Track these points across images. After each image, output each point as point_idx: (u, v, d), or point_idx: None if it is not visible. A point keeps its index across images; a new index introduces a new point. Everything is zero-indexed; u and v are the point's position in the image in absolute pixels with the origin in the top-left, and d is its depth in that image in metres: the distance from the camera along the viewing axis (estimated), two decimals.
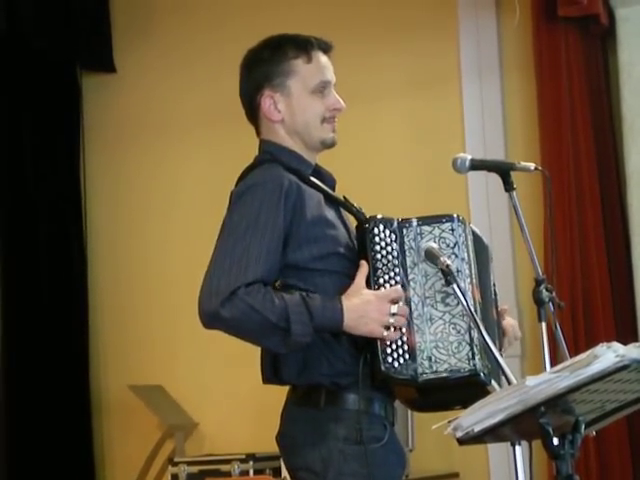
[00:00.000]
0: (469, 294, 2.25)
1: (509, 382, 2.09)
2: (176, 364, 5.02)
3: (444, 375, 2.21)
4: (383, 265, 2.25)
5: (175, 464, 4.57)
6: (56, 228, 5.16)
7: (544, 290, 2.46)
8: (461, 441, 1.88)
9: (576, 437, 1.89)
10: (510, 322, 2.47)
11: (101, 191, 5.29)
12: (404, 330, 2.22)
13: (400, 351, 2.21)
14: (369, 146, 4.74)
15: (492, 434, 1.88)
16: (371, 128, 4.75)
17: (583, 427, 1.90)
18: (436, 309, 2.24)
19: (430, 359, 2.21)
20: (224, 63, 5.09)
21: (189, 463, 4.56)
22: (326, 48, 2.42)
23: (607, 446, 4.19)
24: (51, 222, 5.15)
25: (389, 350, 2.21)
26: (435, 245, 2.27)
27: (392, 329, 2.21)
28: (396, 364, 2.20)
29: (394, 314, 2.21)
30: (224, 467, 4.49)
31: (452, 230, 2.27)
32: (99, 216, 5.28)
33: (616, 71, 4.42)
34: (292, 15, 4.92)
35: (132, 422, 5.03)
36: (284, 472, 4.38)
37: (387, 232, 2.27)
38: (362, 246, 2.28)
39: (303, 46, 2.38)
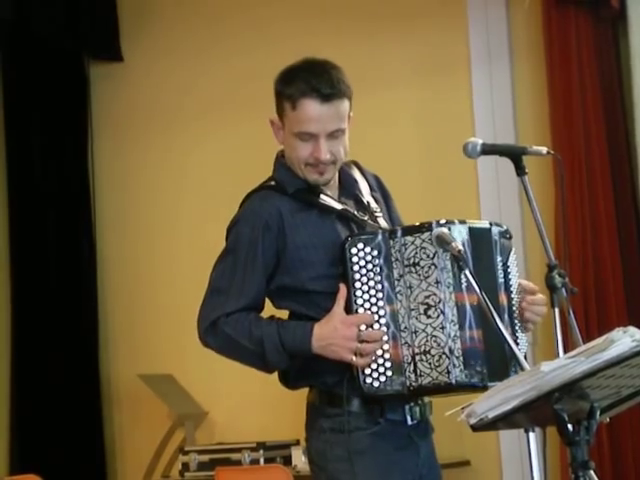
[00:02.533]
0: (451, 303, 2.25)
1: (522, 368, 2.07)
2: (186, 353, 5.00)
3: (429, 388, 2.27)
4: (362, 284, 2.29)
5: (186, 453, 4.57)
6: (65, 218, 5.16)
7: (557, 275, 2.43)
8: (475, 428, 1.86)
9: (591, 423, 1.87)
10: (527, 312, 2.44)
11: (109, 180, 5.29)
12: (389, 344, 2.27)
13: (381, 369, 2.27)
14: (379, 135, 4.71)
15: (506, 421, 1.86)
16: (381, 116, 4.73)
17: (598, 413, 1.88)
18: (419, 321, 2.27)
19: (415, 372, 2.26)
20: (232, 52, 5.12)
21: (199, 452, 4.56)
22: (328, 97, 2.35)
23: (620, 432, 4.18)
24: (60, 212, 5.15)
25: (367, 371, 2.28)
26: (446, 230, 2.25)
27: (360, 355, 2.27)
28: (376, 383, 2.28)
29: (362, 340, 2.27)
30: (234, 456, 4.49)
31: (431, 240, 2.26)
32: (108, 206, 5.27)
33: (627, 55, 4.38)
34: (300, 6, 4.90)
35: (142, 411, 5.03)
36: (294, 460, 4.37)
37: (368, 249, 2.30)
38: (343, 266, 2.31)
39: (291, 92, 2.37)
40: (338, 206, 2.41)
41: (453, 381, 2.23)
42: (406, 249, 2.28)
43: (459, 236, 2.29)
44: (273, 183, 2.45)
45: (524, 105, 4.58)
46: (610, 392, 1.88)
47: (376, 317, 2.29)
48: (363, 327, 2.28)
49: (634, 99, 4.33)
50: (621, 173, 4.37)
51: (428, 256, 2.26)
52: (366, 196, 2.50)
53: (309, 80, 2.35)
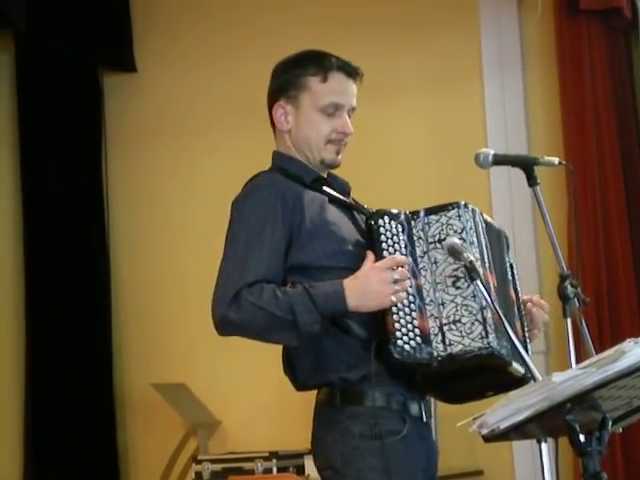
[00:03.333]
0: (481, 276, 2.24)
1: (534, 378, 2.08)
2: (199, 362, 5.02)
3: (459, 355, 2.22)
4: (392, 253, 2.27)
5: (199, 462, 4.57)
6: (78, 228, 5.18)
7: (569, 286, 2.44)
8: (486, 438, 1.86)
9: (603, 434, 1.87)
10: (537, 308, 2.47)
11: (123, 190, 5.30)
12: (415, 315, 2.24)
13: (411, 335, 2.23)
14: (391, 144, 4.72)
15: (518, 431, 1.86)
16: (393, 126, 4.73)
17: (610, 424, 1.89)
18: (447, 293, 2.26)
19: (444, 342, 2.22)
20: (243, 62, 5.14)
21: (212, 461, 4.56)
22: (351, 72, 2.43)
23: (633, 443, 4.16)
24: (73, 222, 5.17)
25: (399, 334, 2.22)
26: (458, 241, 2.27)
27: (398, 295, 2.23)
28: (407, 347, 2.22)
29: (396, 280, 2.23)
30: (247, 465, 4.48)
31: (459, 216, 2.30)
32: (121, 216, 5.29)
33: (639, 64, 4.38)
34: (310, 15, 4.92)
35: (155, 420, 5.04)
36: (307, 470, 4.37)
37: (393, 224, 2.30)
38: (370, 240, 2.31)
39: (322, 65, 2.42)
40: (345, 198, 2.43)
41: (488, 345, 2.19)
42: (430, 227, 2.30)
43: (478, 223, 2.33)
44: (278, 168, 2.41)
45: (536, 114, 4.58)
46: (622, 403, 1.88)
47: None
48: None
49: None
50: (634, 183, 4.36)
51: (455, 231, 2.28)
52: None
53: (334, 58, 2.43)
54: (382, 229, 2.29)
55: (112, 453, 5.06)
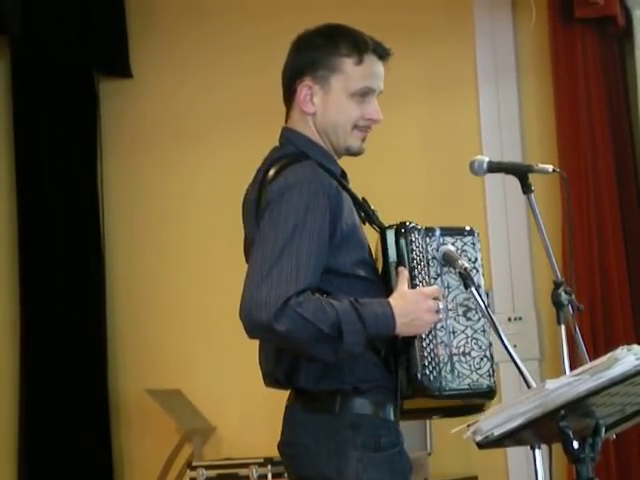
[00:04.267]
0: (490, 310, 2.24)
1: (528, 385, 2.08)
2: (194, 368, 5.02)
3: (466, 390, 2.19)
4: (420, 270, 2.21)
5: (193, 468, 4.57)
6: (73, 234, 5.17)
7: (563, 293, 2.45)
8: (481, 445, 1.87)
9: (596, 440, 1.88)
10: None
11: (118, 196, 5.31)
12: (434, 341, 2.19)
13: (434, 363, 2.18)
14: (386, 151, 4.72)
15: (512, 438, 1.87)
16: (388, 133, 4.72)
17: (603, 430, 1.89)
18: (458, 322, 2.22)
19: (453, 373, 2.18)
20: (241, 67, 5.15)
21: (207, 467, 4.56)
22: (383, 54, 2.34)
23: (627, 449, 4.17)
24: (68, 228, 5.17)
25: (426, 362, 2.17)
26: (452, 248, 2.25)
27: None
28: (431, 376, 2.16)
29: (439, 310, 2.18)
30: (242, 471, 4.49)
31: (473, 244, 2.27)
32: (116, 221, 5.29)
33: (633, 72, 4.40)
34: (307, 21, 4.89)
35: (150, 426, 5.03)
36: None
37: (420, 240, 2.23)
38: (399, 252, 2.21)
39: (358, 46, 2.29)
40: (360, 198, 2.33)
41: (494, 384, 2.19)
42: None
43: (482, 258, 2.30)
44: (298, 151, 2.26)
45: (531, 122, 4.59)
46: (615, 409, 1.89)
47: None
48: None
49: None
50: (628, 190, 4.38)
51: (470, 259, 2.24)
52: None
53: (368, 37, 2.32)
54: (414, 244, 2.21)
55: (107, 459, 5.05)
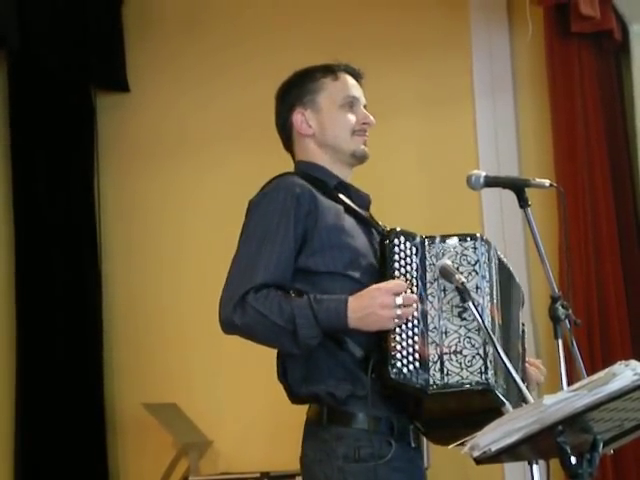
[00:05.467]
0: (487, 311, 2.25)
1: (525, 400, 2.08)
2: (190, 382, 5.01)
3: (455, 386, 2.20)
4: (401, 275, 2.26)
5: None
6: (70, 248, 5.17)
7: (560, 307, 2.45)
8: (478, 460, 1.87)
9: (594, 456, 1.88)
10: (535, 369, 2.52)
11: (115, 210, 5.31)
12: (417, 340, 2.23)
13: (410, 358, 2.21)
14: (383, 165, 4.72)
15: (509, 453, 1.87)
16: (384, 146, 4.73)
17: (601, 446, 1.89)
18: (452, 323, 2.24)
19: (442, 371, 2.21)
20: (237, 82, 5.15)
21: None
22: (354, 74, 2.54)
23: (625, 464, 4.16)
24: (65, 242, 5.16)
25: (398, 356, 2.21)
26: (449, 262, 2.27)
27: (399, 320, 2.23)
28: (405, 370, 2.20)
29: (399, 305, 2.22)
30: None
31: (474, 248, 2.29)
32: (114, 235, 5.29)
33: (630, 87, 4.42)
34: (304, 36, 4.94)
35: (146, 440, 5.02)
36: None
37: (408, 245, 2.29)
38: (382, 258, 2.30)
39: (329, 68, 2.50)
40: (361, 211, 2.43)
41: (486, 381, 2.19)
42: (444, 255, 2.28)
43: (492, 258, 2.32)
44: (301, 172, 2.43)
45: (527, 136, 4.60)
46: (613, 425, 1.89)
47: None
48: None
49: (637, 130, 4.36)
50: (624, 205, 4.38)
51: (469, 263, 2.27)
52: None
53: (332, 63, 2.53)
54: (397, 248, 2.28)
55: (103, 473, 5.04)
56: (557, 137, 4.42)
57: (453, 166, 4.50)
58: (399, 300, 2.22)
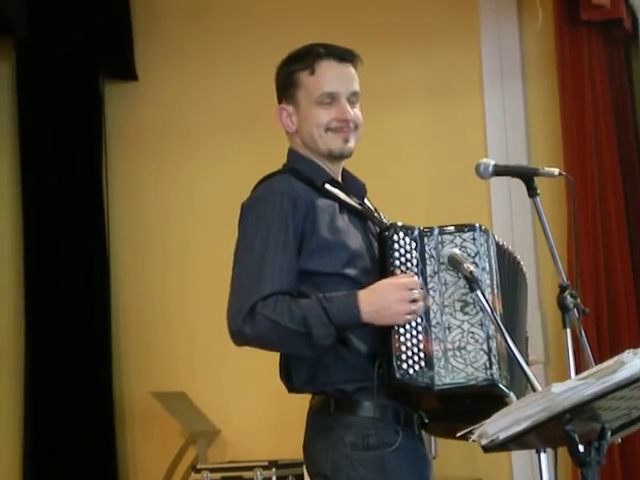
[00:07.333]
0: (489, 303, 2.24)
1: (534, 389, 2.08)
2: (198, 371, 5.02)
3: (461, 384, 2.20)
4: (401, 272, 2.25)
5: (198, 471, 4.57)
6: (78, 236, 5.18)
7: (569, 296, 2.44)
8: (486, 448, 1.87)
9: (602, 444, 1.87)
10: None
11: (123, 198, 5.31)
12: (421, 337, 2.21)
13: (416, 358, 2.21)
14: (392, 155, 4.73)
15: (517, 441, 1.86)
16: (394, 136, 4.74)
17: (609, 434, 1.89)
18: (455, 318, 2.23)
19: (447, 367, 2.20)
20: (245, 71, 5.15)
21: (212, 470, 4.56)
22: (342, 56, 2.42)
23: (632, 453, 4.16)
24: (73, 231, 5.17)
25: (404, 357, 2.20)
26: (458, 251, 2.26)
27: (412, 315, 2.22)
28: (411, 371, 2.20)
29: (414, 300, 2.21)
30: (247, 474, 4.49)
31: (474, 239, 2.27)
32: (121, 223, 5.30)
33: (639, 75, 4.39)
34: (312, 27, 4.92)
35: (155, 429, 5.03)
36: (307, 479, 4.37)
37: (407, 240, 2.27)
38: (382, 253, 2.29)
39: (307, 58, 2.41)
40: (357, 205, 2.40)
41: (491, 376, 2.18)
42: (443, 247, 2.26)
43: (491, 247, 2.30)
44: (291, 169, 2.39)
45: (536, 125, 4.59)
46: (621, 413, 1.88)
47: None
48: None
49: None
50: (633, 193, 4.37)
51: (469, 255, 2.25)
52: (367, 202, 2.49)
53: (322, 47, 2.42)
54: (396, 244, 2.26)
55: (111, 461, 5.06)
56: (566, 125, 4.40)
57: (462, 155, 4.50)
58: (415, 294, 2.21)
